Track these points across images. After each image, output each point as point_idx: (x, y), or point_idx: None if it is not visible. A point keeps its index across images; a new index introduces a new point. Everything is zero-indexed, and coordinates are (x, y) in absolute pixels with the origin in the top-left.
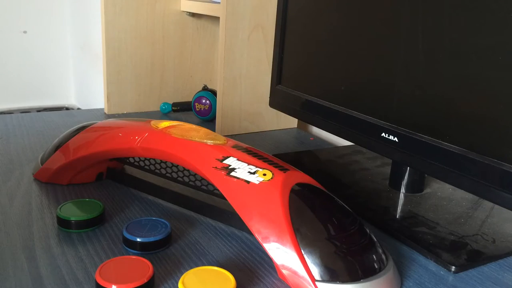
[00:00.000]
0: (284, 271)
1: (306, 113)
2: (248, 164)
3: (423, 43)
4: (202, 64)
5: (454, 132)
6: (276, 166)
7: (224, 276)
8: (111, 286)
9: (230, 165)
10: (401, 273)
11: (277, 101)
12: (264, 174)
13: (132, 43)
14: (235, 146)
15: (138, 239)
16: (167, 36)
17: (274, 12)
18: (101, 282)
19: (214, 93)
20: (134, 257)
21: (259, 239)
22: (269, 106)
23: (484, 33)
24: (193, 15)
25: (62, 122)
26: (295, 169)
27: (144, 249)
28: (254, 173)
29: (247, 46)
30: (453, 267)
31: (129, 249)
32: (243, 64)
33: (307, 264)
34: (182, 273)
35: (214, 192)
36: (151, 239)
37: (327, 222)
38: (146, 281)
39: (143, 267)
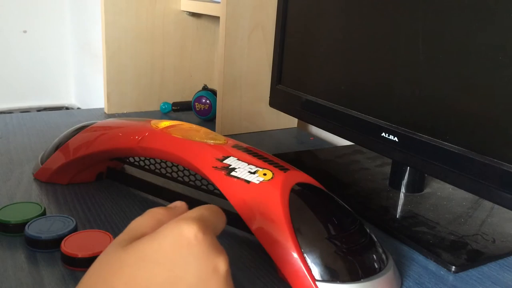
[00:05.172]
0: (284, 271)
1: (306, 113)
2: (248, 163)
3: (423, 43)
4: (202, 64)
5: (454, 132)
6: (276, 165)
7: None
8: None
9: (230, 165)
10: (401, 273)
11: (277, 101)
12: (264, 174)
13: (132, 43)
14: (235, 146)
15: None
16: (167, 36)
17: (274, 12)
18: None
19: (214, 93)
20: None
21: (259, 239)
22: (269, 106)
23: (484, 33)
24: (193, 14)
25: (62, 122)
26: (295, 168)
27: None
28: (254, 172)
29: (247, 46)
30: (453, 267)
31: None
32: (243, 64)
33: (307, 264)
34: None
35: (214, 192)
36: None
37: (327, 221)
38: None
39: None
